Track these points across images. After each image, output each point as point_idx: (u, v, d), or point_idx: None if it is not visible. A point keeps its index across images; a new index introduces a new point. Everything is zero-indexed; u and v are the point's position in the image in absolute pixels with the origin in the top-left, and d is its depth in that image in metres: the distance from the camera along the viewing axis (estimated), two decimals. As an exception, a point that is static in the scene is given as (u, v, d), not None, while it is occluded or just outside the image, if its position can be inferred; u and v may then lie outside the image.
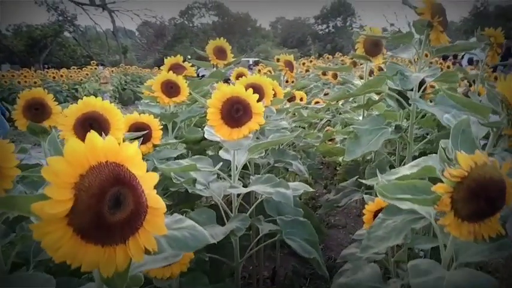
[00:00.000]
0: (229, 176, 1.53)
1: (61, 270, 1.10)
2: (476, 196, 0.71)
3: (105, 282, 0.60)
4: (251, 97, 1.30)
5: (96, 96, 1.29)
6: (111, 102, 1.29)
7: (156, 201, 0.62)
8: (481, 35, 2.10)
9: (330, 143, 2.87)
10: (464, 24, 43.05)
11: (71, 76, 14.42)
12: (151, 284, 1.20)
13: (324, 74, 5.07)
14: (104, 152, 0.56)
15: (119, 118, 1.28)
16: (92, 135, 0.56)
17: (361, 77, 3.39)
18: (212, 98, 1.31)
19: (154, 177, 0.63)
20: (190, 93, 2.04)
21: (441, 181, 0.74)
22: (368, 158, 2.48)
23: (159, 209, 0.63)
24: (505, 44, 2.19)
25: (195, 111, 2.17)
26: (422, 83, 1.72)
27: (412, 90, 1.71)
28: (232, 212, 1.47)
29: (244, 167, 1.89)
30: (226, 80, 2.82)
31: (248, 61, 17.90)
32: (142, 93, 2.31)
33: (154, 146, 1.68)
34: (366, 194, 2.07)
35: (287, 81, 3.02)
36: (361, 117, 2.55)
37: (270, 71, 3.86)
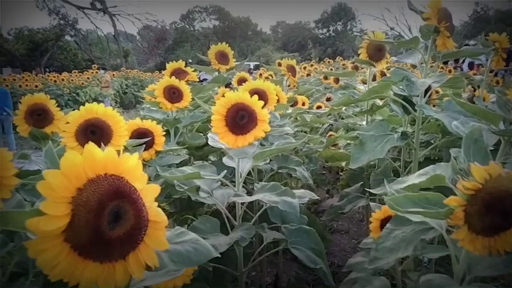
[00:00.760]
0: (232, 182, 1.50)
1: (60, 280, 1.07)
2: (491, 209, 0.68)
3: (104, 298, 0.58)
4: (256, 104, 1.27)
5: (97, 100, 1.27)
6: (113, 107, 1.27)
7: (157, 215, 0.60)
8: (485, 39, 2.08)
9: (333, 148, 2.84)
10: (464, 28, 43.09)
11: (72, 80, 14.45)
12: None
13: (326, 78, 5.04)
14: (103, 164, 0.54)
15: (122, 125, 1.26)
16: (90, 146, 0.53)
17: (363, 82, 3.37)
18: (217, 104, 1.28)
19: (156, 189, 0.60)
20: (193, 99, 2.01)
21: (451, 190, 0.71)
22: (372, 163, 2.45)
23: (161, 223, 0.60)
24: None
25: (197, 117, 2.14)
26: (428, 88, 1.69)
27: (417, 96, 1.68)
28: (236, 220, 1.44)
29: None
30: (228, 85, 2.80)
31: (249, 65, 17.91)
32: (144, 98, 2.28)
33: (157, 152, 1.66)
34: (370, 200, 2.05)
35: (289, 86, 3.00)
36: (364, 122, 2.52)
37: (271, 75, 3.84)
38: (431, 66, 1.91)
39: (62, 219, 0.49)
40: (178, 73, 2.30)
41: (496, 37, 2.08)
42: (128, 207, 0.55)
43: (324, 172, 4.05)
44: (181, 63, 2.37)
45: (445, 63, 8.24)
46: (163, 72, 2.36)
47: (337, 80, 4.52)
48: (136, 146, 1.42)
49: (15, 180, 0.81)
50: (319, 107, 3.34)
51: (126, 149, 1.32)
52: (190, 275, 1.16)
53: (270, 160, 1.97)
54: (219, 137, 1.32)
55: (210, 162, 2.19)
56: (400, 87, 1.78)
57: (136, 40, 52.56)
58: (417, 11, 1.57)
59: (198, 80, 2.47)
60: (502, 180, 0.69)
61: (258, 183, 1.84)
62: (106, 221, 0.52)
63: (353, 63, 5.38)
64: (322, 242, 1.44)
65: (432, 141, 2.04)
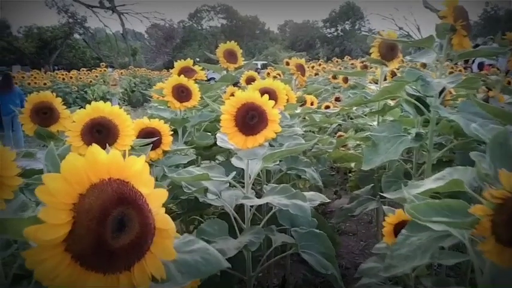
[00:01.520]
0: (240, 183, 1.47)
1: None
2: (520, 219, 0.63)
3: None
4: (267, 103, 1.23)
5: (105, 99, 1.24)
6: (120, 106, 1.24)
7: (164, 222, 0.56)
8: (502, 39, 2.03)
9: (343, 148, 2.80)
10: (474, 27, 42.71)
11: (80, 78, 14.51)
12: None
13: (335, 77, 4.99)
14: (107, 167, 0.50)
15: (128, 124, 1.23)
16: (94, 148, 0.50)
17: (374, 81, 3.31)
18: (226, 104, 1.24)
19: (163, 194, 0.56)
20: (201, 98, 1.98)
21: (468, 195, 0.67)
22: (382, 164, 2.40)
23: (168, 230, 0.56)
24: None
25: (205, 116, 2.11)
26: (442, 89, 1.64)
27: (432, 96, 1.63)
28: (244, 223, 1.40)
29: (255, 173, 1.83)
30: (236, 84, 2.76)
31: (256, 64, 17.88)
32: (151, 97, 2.26)
33: (164, 152, 1.62)
34: (381, 203, 2.01)
35: (297, 85, 2.96)
36: (375, 123, 2.47)
37: (279, 74, 3.80)
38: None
39: (62, 228, 0.46)
40: (186, 71, 2.27)
41: (512, 36, 2.03)
42: (133, 214, 0.51)
43: (333, 173, 4.00)
44: (189, 62, 2.34)
45: (455, 63, 8.16)
46: (171, 70, 2.33)
47: (346, 80, 4.47)
48: (143, 145, 1.39)
49: (17, 180, 0.78)
50: (327, 107, 3.29)
51: (132, 148, 1.29)
52: (198, 281, 1.12)
53: (280, 161, 1.93)
54: (228, 137, 1.28)
55: (217, 162, 2.16)
56: (414, 87, 1.74)
57: (145, 38, 52.77)
58: (433, 9, 1.52)
59: (205, 78, 2.45)
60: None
61: (266, 184, 1.80)
62: (110, 229, 0.49)
63: (362, 62, 5.32)
64: (332, 246, 1.40)
65: (444, 142, 1.99)
